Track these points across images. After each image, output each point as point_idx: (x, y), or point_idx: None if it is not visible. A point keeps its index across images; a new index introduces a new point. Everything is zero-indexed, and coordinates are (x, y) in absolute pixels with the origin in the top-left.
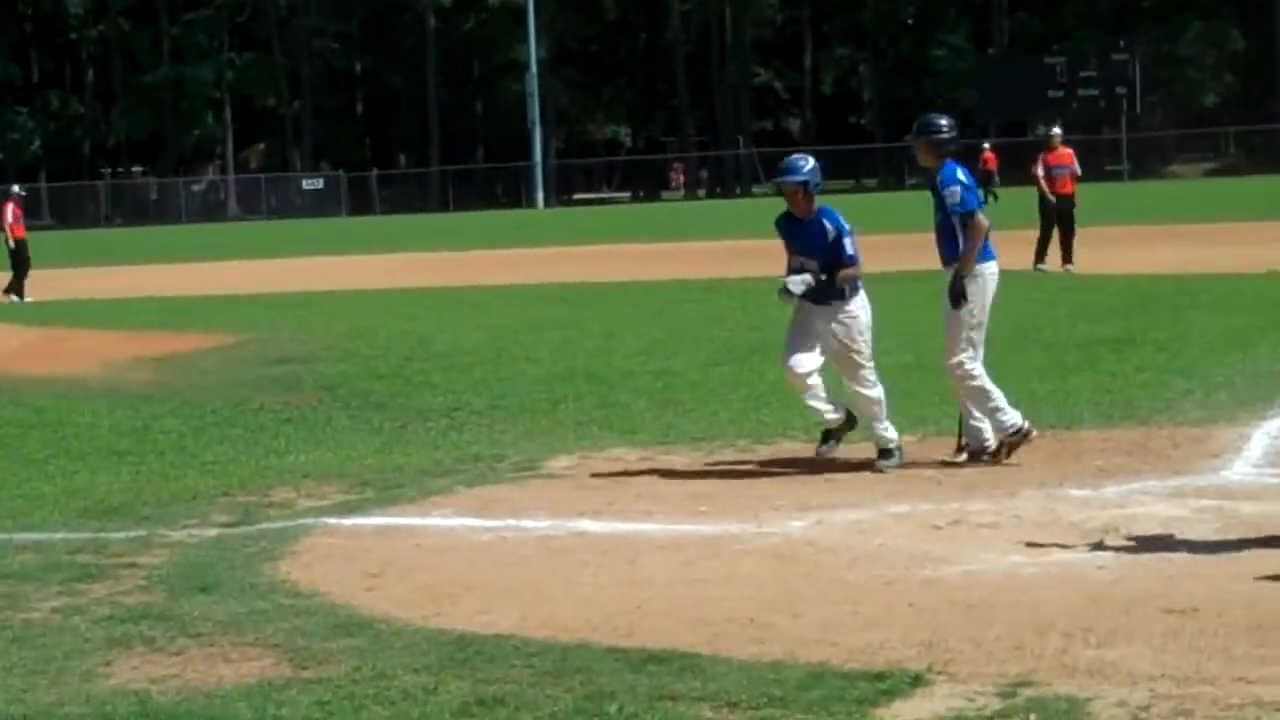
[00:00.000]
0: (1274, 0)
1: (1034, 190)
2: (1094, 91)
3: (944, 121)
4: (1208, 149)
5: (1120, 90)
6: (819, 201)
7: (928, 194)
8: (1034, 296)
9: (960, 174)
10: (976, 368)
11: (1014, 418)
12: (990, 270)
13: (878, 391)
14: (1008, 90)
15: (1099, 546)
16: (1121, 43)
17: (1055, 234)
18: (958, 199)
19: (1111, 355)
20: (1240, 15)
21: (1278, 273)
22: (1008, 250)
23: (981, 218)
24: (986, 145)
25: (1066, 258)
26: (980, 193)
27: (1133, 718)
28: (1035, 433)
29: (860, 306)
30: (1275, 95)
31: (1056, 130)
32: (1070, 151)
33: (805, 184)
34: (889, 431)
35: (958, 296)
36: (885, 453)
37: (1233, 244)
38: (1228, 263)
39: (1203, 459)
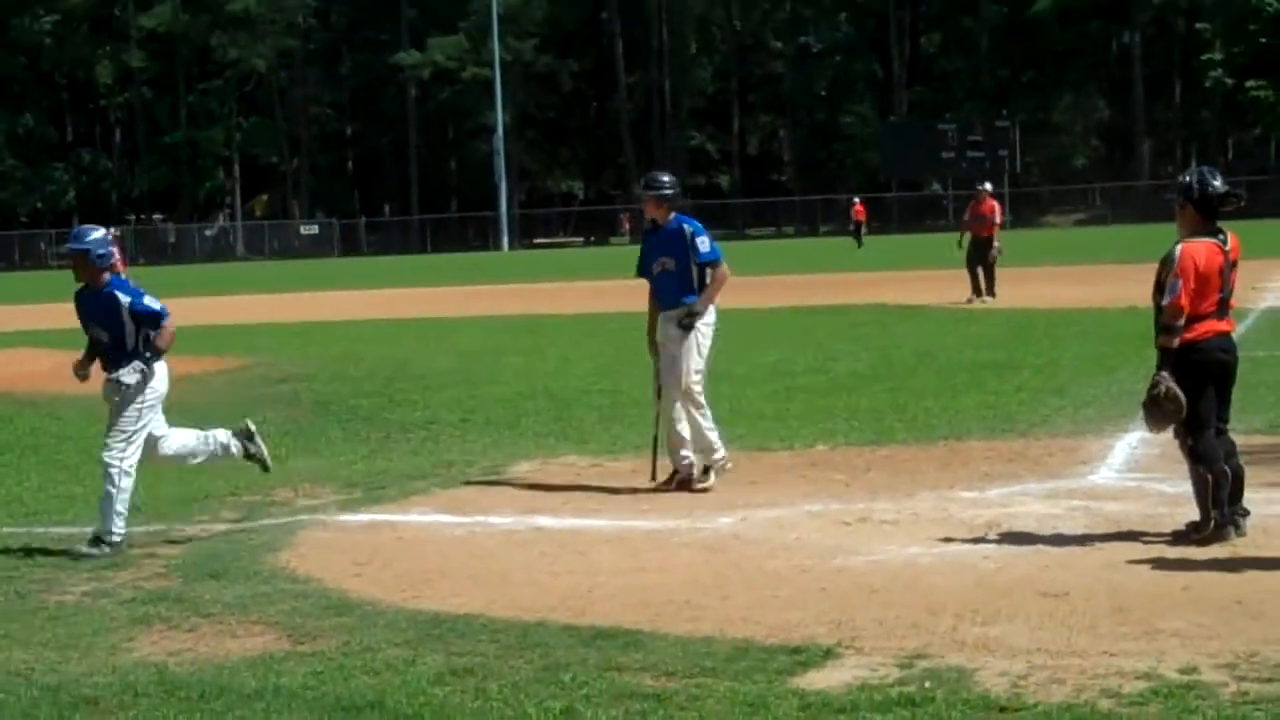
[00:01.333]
0: (1134, 77)
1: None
2: (980, 153)
3: (667, 178)
4: (1078, 202)
5: (1002, 152)
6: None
7: (835, 239)
8: (927, 327)
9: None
10: (704, 397)
11: (722, 449)
12: (713, 313)
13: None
14: (907, 152)
15: (984, 540)
16: (1004, 112)
17: (975, 270)
18: (708, 247)
19: (995, 377)
20: (1105, 89)
21: (1137, 308)
22: (894, 286)
23: (726, 268)
24: (857, 199)
25: (989, 290)
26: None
27: (1013, 685)
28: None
29: (143, 378)
30: (1135, 156)
31: (985, 186)
32: (993, 204)
33: (86, 253)
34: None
35: (690, 327)
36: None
37: (1099, 284)
38: (1094, 299)
39: (1073, 465)
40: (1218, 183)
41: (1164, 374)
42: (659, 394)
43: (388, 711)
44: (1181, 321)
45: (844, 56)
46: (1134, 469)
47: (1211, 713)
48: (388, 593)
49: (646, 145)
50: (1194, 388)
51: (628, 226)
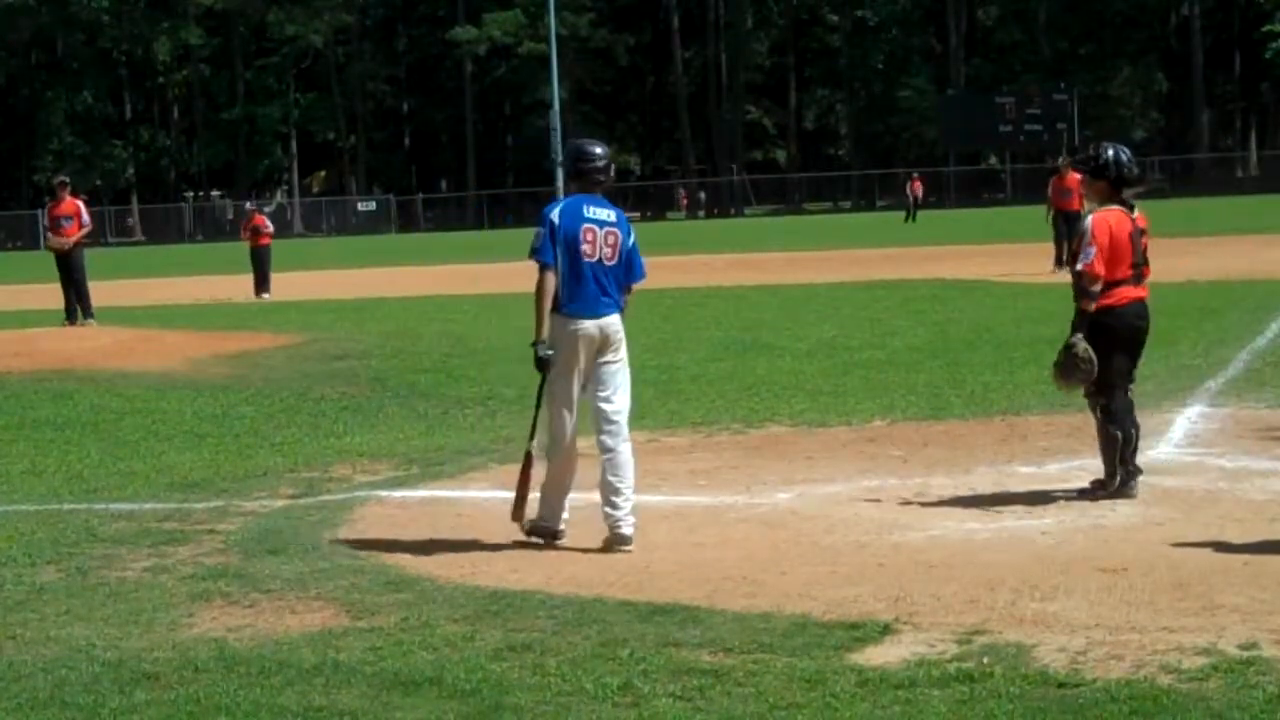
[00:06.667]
0: (1193, 48)
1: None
2: (1038, 127)
3: (599, 150)
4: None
5: (1061, 126)
6: None
7: (892, 214)
8: (985, 302)
9: (555, 213)
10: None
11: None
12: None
13: None
14: (965, 125)
15: (1043, 515)
16: (1061, 85)
17: (1061, 243)
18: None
19: (1053, 352)
20: (1163, 61)
21: (1195, 281)
22: (952, 261)
23: (540, 273)
24: (915, 174)
25: (1071, 262)
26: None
27: (1071, 661)
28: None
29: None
30: (1194, 129)
31: (1065, 160)
32: (1078, 177)
33: None
34: None
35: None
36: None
37: (1156, 258)
38: (1152, 274)
39: None
40: (1125, 158)
41: (1079, 336)
42: None
43: (446, 687)
44: (1098, 287)
45: (901, 29)
46: (1193, 444)
47: (1272, 688)
48: (446, 569)
49: (702, 120)
50: (1109, 351)
51: (684, 202)
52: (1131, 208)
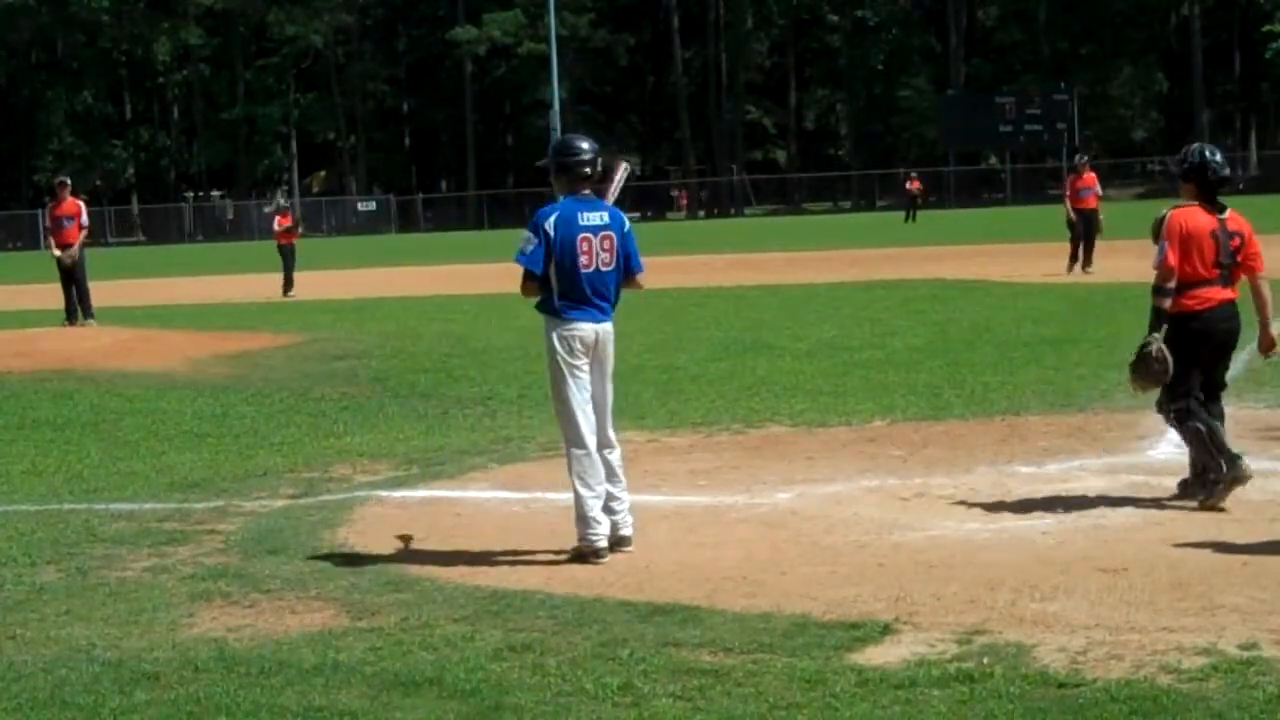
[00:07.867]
0: (1193, 48)
1: (1060, 208)
2: (1038, 127)
3: (585, 144)
4: (1137, 176)
5: (1061, 126)
6: None
7: (892, 214)
8: (985, 302)
9: (549, 223)
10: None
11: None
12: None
13: None
14: (965, 125)
15: (1043, 515)
16: (1062, 85)
17: (1081, 243)
18: (522, 251)
19: (1054, 352)
20: (1164, 61)
21: None
22: (952, 261)
23: (533, 285)
24: (913, 174)
25: (1087, 262)
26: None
27: (1071, 661)
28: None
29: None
30: (1195, 129)
31: (1084, 158)
32: (1094, 175)
33: None
34: None
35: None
36: None
37: None
38: (1153, 274)
39: (1132, 440)
40: (1215, 159)
41: (1155, 335)
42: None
43: (446, 687)
44: (1172, 283)
45: (901, 29)
46: None
47: (1272, 688)
48: (446, 569)
49: (702, 120)
50: (1190, 354)
51: (684, 202)
52: (1223, 208)
